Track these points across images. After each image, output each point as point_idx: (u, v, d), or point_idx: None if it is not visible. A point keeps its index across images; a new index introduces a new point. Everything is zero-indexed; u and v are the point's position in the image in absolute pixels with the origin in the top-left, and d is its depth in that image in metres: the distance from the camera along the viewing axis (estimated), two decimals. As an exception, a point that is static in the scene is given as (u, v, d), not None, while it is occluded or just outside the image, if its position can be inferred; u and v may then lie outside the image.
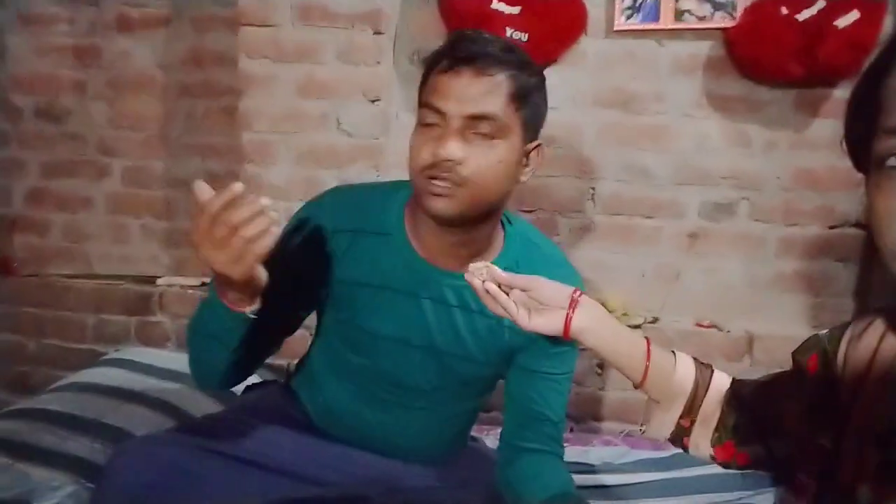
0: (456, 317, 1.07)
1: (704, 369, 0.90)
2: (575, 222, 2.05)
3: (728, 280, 2.02)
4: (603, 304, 2.07)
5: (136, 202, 2.36)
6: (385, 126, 1.97)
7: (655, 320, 2.00)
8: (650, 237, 2.03)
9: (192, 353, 1.07)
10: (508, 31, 1.83)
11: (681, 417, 0.88)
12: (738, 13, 1.86)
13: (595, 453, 1.63)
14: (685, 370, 0.89)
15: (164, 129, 2.31)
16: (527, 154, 1.03)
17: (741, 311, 2.01)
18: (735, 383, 0.90)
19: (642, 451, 1.63)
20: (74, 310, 2.26)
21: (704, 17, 1.89)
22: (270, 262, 0.90)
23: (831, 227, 1.95)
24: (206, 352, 1.03)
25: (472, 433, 1.41)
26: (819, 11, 1.74)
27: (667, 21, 1.91)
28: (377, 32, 1.91)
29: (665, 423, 0.89)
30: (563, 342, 0.91)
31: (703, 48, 1.93)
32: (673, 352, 0.91)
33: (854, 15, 1.71)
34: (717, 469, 0.92)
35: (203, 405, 1.57)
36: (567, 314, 0.87)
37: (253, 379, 1.32)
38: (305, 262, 1.08)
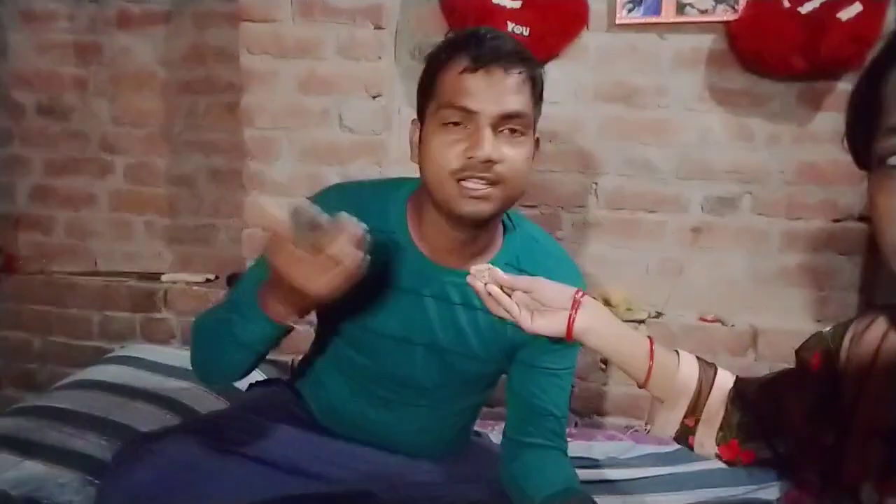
0: (459, 314, 1.07)
1: (708, 368, 0.90)
2: (578, 217, 2.05)
3: (732, 274, 2.02)
4: (606, 299, 2.06)
5: (140, 199, 2.37)
6: (387, 122, 1.97)
7: (659, 315, 2.00)
8: (653, 232, 2.03)
9: (205, 353, 1.08)
10: (510, 26, 1.83)
11: (685, 417, 0.88)
12: (740, 6, 1.85)
13: (599, 448, 1.63)
14: (689, 369, 0.89)
15: (165, 125, 2.32)
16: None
17: (745, 306, 2.01)
18: (739, 382, 0.90)
19: (647, 445, 1.63)
20: (79, 307, 2.27)
21: (706, 10, 1.88)
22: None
23: (835, 221, 1.95)
24: (226, 354, 1.04)
25: (477, 428, 1.41)
26: (821, 4, 1.73)
27: (668, 14, 1.90)
28: (378, 27, 1.91)
29: (669, 421, 0.89)
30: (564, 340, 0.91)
31: (706, 42, 1.92)
32: (676, 351, 0.91)
33: (856, 7, 1.71)
34: (721, 464, 0.92)
35: (208, 402, 1.57)
36: (570, 315, 0.87)
37: (256, 376, 1.33)
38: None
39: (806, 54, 1.77)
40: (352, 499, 1.14)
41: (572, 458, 1.15)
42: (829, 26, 1.72)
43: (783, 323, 1.94)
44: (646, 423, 0.93)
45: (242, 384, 1.46)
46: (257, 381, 1.35)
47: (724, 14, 1.87)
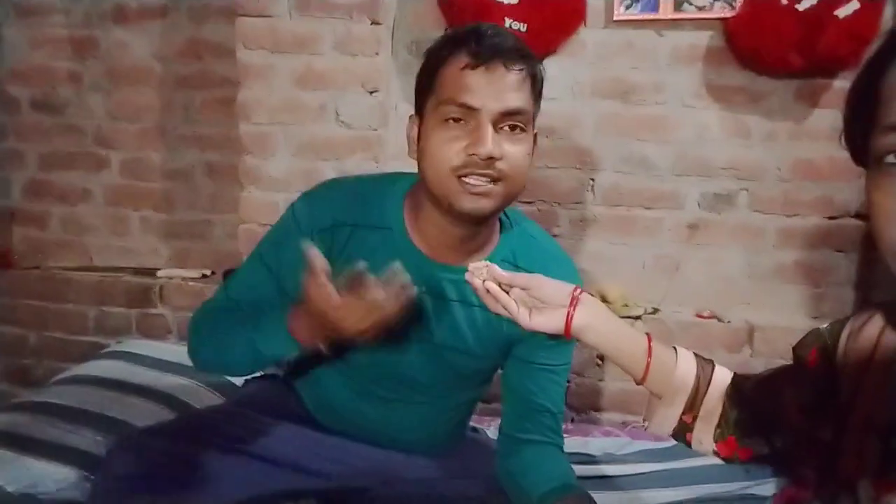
0: (455, 311, 1.07)
1: (706, 365, 0.90)
2: (575, 214, 2.05)
3: (728, 271, 2.02)
4: (603, 296, 2.06)
5: (135, 194, 2.36)
6: (384, 117, 1.96)
7: (656, 311, 2.00)
8: (650, 228, 2.03)
9: (213, 353, 1.10)
10: (507, 22, 1.82)
11: (683, 413, 0.88)
12: (738, 3, 1.85)
13: (596, 444, 1.63)
14: (686, 366, 0.89)
15: (161, 120, 2.31)
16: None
17: (741, 302, 2.01)
18: (736, 378, 0.90)
19: (643, 441, 1.63)
20: (75, 302, 2.26)
21: (704, 7, 1.88)
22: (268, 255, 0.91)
23: (831, 218, 1.95)
24: (241, 361, 1.07)
25: (474, 424, 1.41)
26: (819, 1, 1.73)
27: (666, 11, 1.90)
28: (375, 23, 1.90)
29: (667, 418, 0.89)
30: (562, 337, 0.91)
31: (703, 38, 1.92)
32: (674, 348, 0.91)
33: (854, 5, 1.71)
34: (718, 460, 0.92)
35: (204, 397, 1.57)
36: (568, 312, 0.87)
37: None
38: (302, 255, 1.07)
39: (803, 51, 1.77)
40: (347, 494, 1.14)
41: (569, 453, 1.15)
42: (826, 23, 1.72)
43: (779, 319, 1.94)
44: (643, 420, 0.93)
45: (238, 379, 1.46)
46: (253, 377, 1.35)
47: (721, 11, 1.87)
